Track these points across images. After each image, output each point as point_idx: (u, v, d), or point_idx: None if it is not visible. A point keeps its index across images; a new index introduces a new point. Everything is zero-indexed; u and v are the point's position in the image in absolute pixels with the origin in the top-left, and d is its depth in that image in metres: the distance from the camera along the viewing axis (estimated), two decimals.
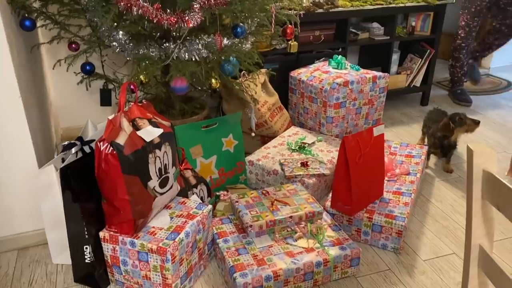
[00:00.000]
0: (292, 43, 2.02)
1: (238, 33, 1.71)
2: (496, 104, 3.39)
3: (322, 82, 2.47)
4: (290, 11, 2.39)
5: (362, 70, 2.60)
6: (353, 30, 3.00)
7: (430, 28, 3.12)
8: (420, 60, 3.20)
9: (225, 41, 1.82)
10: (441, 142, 2.37)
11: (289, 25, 1.95)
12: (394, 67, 3.21)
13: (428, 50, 3.16)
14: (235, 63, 1.72)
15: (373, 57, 3.24)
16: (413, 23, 3.13)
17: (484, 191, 0.81)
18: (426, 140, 2.60)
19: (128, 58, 1.80)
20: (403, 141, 2.80)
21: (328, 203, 1.90)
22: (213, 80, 1.80)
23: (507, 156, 2.58)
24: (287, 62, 2.75)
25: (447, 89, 3.63)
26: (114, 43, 1.76)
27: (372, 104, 2.58)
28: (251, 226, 1.65)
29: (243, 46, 1.89)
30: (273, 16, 1.73)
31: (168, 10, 1.54)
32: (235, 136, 2.11)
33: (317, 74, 2.57)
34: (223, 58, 1.73)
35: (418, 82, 3.27)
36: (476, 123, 2.26)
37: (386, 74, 2.57)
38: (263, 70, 2.48)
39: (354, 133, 2.57)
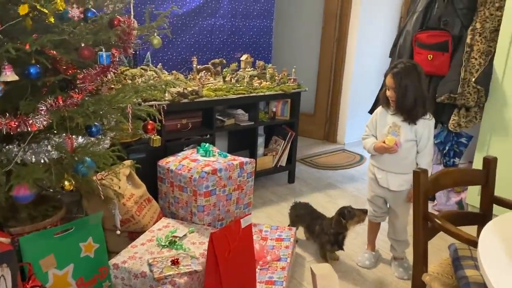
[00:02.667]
0: (154, 138, 1.99)
1: (93, 132, 1.62)
2: (351, 177, 3.73)
3: (191, 171, 2.45)
4: (154, 102, 2.38)
5: (229, 157, 2.67)
6: (219, 117, 3.11)
7: (289, 112, 3.39)
8: (283, 141, 3.43)
9: (80, 140, 1.70)
10: (336, 238, 2.37)
11: (150, 121, 1.92)
12: (260, 150, 3.37)
13: (290, 133, 3.41)
14: (90, 164, 1.60)
15: (241, 141, 3.37)
16: (274, 109, 3.37)
17: None
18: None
19: None
20: (275, 221, 2.87)
21: None
22: (66, 183, 1.64)
23: (363, 227, 2.81)
24: (155, 151, 2.68)
25: (312, 166, 3.92)
26: None
27: (242, 189, 2.62)
28: None
29: (101, 143, 1.79)
30: (129, 116, 1.68)
31: (8, 114, 1.39)
32: (95, 239, 1.93)
33: (185, 162, 2.55)
34: (76, 159, 1.60)
35: (283, 161, 3.46)
36: (364, 212, 2.35)
37: (252, 159, 2.66)
38: (127, 162, 2.37)
39: (226, 220, 2.58)
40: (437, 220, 1.54)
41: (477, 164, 2.82)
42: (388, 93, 2.15)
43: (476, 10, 2.82)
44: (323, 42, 4.45)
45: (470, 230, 1.56)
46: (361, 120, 4.64)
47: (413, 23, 3.02)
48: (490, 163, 1.77)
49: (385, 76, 2.18)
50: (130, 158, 2.48)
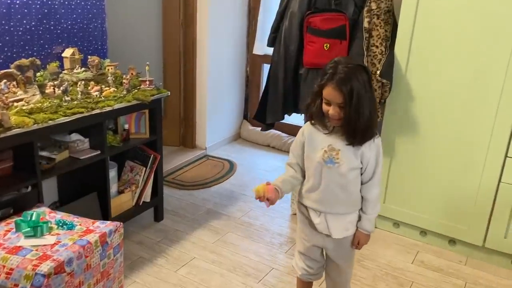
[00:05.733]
0: None
1: None
2: (230, 195, 3.01)
3: (12, 277, 1.35)
4: None
5: (78, 225, 1.63)
6: (45, 155, 1.97)
7: (148, 128, 2.43)
8: (144, 168, 2.47)
9: None
10: None
11: None
12: (114, 187, 2.34)
13: (152, 155, 2.47)
14: None
15: (82, 182, 2.26)
16: (126, 126, 2.36)
17: None
18: None
19: None
20: None
21: None
22: None
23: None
24: None
25: (178, 187, 3.04)
26: None
27: (108, 275, 1.63)
28: None
29: None
30: None
31: None
32: None
33: None
34: None
35: (147, 196, 2.51)
36: None
37: (117, 223, 1.68)
38: None
39: None
40: None
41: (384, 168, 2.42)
42: (331, 110, 1.46)
43: None
44: (166, 26, 3.51)
45: None
46: (223, 118, 3.86)
47: (299, 2, 2.38)
48: None
49: (322, 86, 1.47)
50: None
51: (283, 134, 3.84)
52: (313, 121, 1.58)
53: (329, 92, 1.45)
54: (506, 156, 2.15)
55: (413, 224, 2.51)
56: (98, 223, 1.66)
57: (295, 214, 2.74)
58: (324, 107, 1.48)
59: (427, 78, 2.29)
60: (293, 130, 3.82)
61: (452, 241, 2.43)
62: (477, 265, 2.31)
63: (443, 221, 2.40)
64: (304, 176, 1.64)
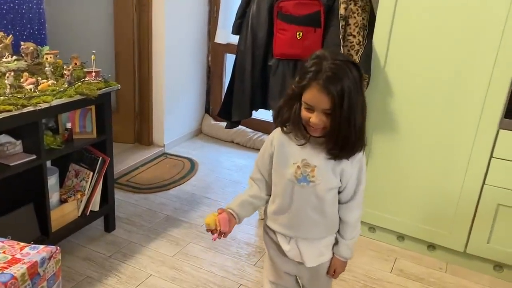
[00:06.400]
0: None
1: None
2: (192, 198, 2.74)
3: None
4: None
5: (1, 255, 1.30)
6: None
7: (96, 126, 2.11)
8: (91, 173, 2.14)
9: None
10: None
11: None
12: (55, 196, 2.01)
13: (100, 158, 2.15)
14: None
15: (15, 191, 1.92)
16: (69, 124, 2.03)
17: None
18: None
19: None
20: None
21: None
22: None
23: None
24: None
25: (132, 191, 2.73)
26: None
27: None
28: None
29: None
30: None
31: None
32: None
33: None
34: None
35: (96, 204, 2.19)
36: None
37: (53, 248, 1.37)
38: None
39: None
40: None
41: None
42: (314, 118, 1.17)
43: None
44: (117, 10, 3.14)
45: None
46: (183, 112, 3.53)
47: None
48: None
49: (302, 87, 1.18)
50: None
51: (248, 130, 3.58)
52: (286, 129, 1.28)
53: (312, 95, 1.15)
54: (491, 156, 2.00)
55: (390, 229, 2.34)
56: (28, 248, 1.34)
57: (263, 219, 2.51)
58: (304, 113, 1.19)
59: (407, 72, 2.10)
60: (259, 126, 3.58)
61: (431, 246, 2.28)
62: (459, 272, 2.17)
63: (422, 225, 2.23)
64: (270, 194, 1.37)
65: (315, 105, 1.16)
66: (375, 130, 2.23)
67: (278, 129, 1.31)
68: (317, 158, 1.24)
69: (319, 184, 1.25)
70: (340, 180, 1.27)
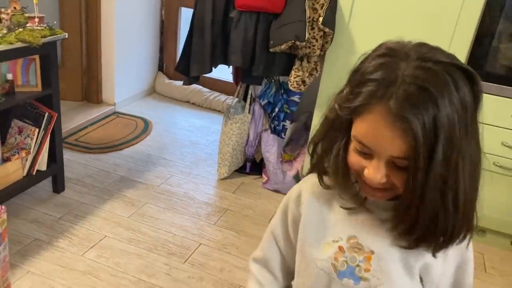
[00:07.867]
0: None
1: None
2: (147, 159, 2.63)
3: None
4: None
5: None
6: None
7: (40, 79, 1.92)
8: (37, 129, 1.97)
9: None
10: None
11: None
12: None
13: (47, 113, 1.97)
14: None
15: None
16: (10, 76, 1.83)
17: None
18: None
19: None
20: None
21: None
22: None
23: None
24: None
25: (82, 151, 2.56)
26: None
27: None
28: None
29: None
30: None
31: None
32: None
33: None
34: None
35: (43, 163, 2.04)
36: None
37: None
38: None
39: None
40: None
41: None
42: (372, 170, 0.65)
43: None
44: None
45: None
46: (135, 69, 3.33)
47: None
48: None
49: (355, 110, 0.66)
50: None
51: (205, 89, 3.46)
52: (326, 181, 0.77)
53: (372, 128, 0.64)
54: None
55: None
56: None
57: (223, 179, 2.46)
58: (355, 158, 0.69)
59: (373, 28, 2.06)
60: (215, 85, 3.47)
61: None
62: None
63: None
64: (292, 279, 0.86)
65: (375, 147, 0.65)
66: (336, 89, 2.20)
67: (311, 178, 0.81)
68: (378, 239, 0.73)
69: (378, 286, 0.73)
70: (421, 279, 0.75)
